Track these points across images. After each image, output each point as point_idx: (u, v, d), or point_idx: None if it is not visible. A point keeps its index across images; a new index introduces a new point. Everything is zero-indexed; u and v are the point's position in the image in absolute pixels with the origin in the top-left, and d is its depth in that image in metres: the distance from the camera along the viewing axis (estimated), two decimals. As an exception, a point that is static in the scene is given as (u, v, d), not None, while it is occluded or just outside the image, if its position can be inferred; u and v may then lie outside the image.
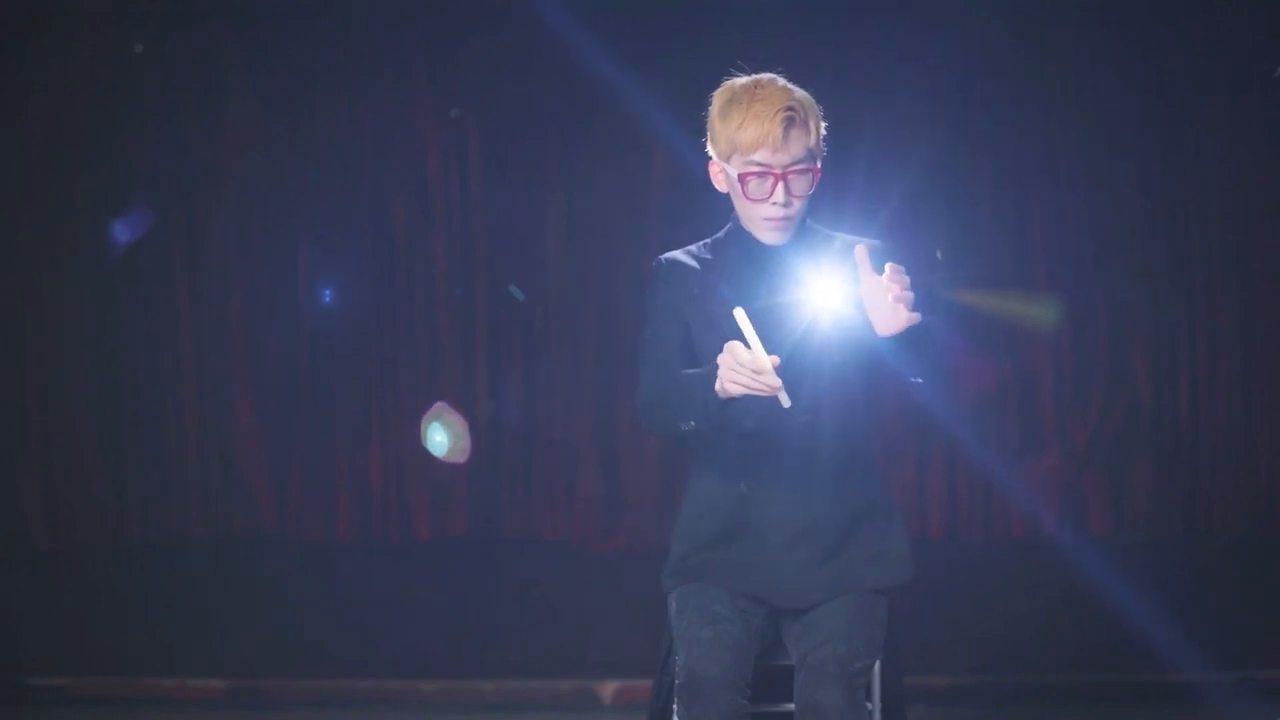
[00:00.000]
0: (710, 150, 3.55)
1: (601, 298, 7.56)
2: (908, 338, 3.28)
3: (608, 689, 6.64)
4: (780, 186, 3.45)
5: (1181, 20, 7.31)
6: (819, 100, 3.56)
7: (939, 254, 7.14)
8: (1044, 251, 7.44)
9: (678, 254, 3.60)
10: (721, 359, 3.25)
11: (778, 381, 3.20)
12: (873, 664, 3.54)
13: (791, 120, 3.44)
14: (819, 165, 3.50)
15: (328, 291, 7.53)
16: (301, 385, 7.58)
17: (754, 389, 3.21)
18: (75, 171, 7.58)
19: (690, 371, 3.44)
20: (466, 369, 7.60)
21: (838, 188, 7.15)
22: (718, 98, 3.52)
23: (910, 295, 3.23)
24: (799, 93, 3.50)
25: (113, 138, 7.55)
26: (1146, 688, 6.49)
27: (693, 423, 3.37)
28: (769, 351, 3.22)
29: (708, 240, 3.61)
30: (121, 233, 7.45)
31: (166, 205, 7.58)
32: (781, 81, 3.50)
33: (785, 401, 3.22)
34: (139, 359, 7.60)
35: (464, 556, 7.48)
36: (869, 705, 3.60)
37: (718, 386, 3.28)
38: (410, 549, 7.52)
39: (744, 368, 3.20)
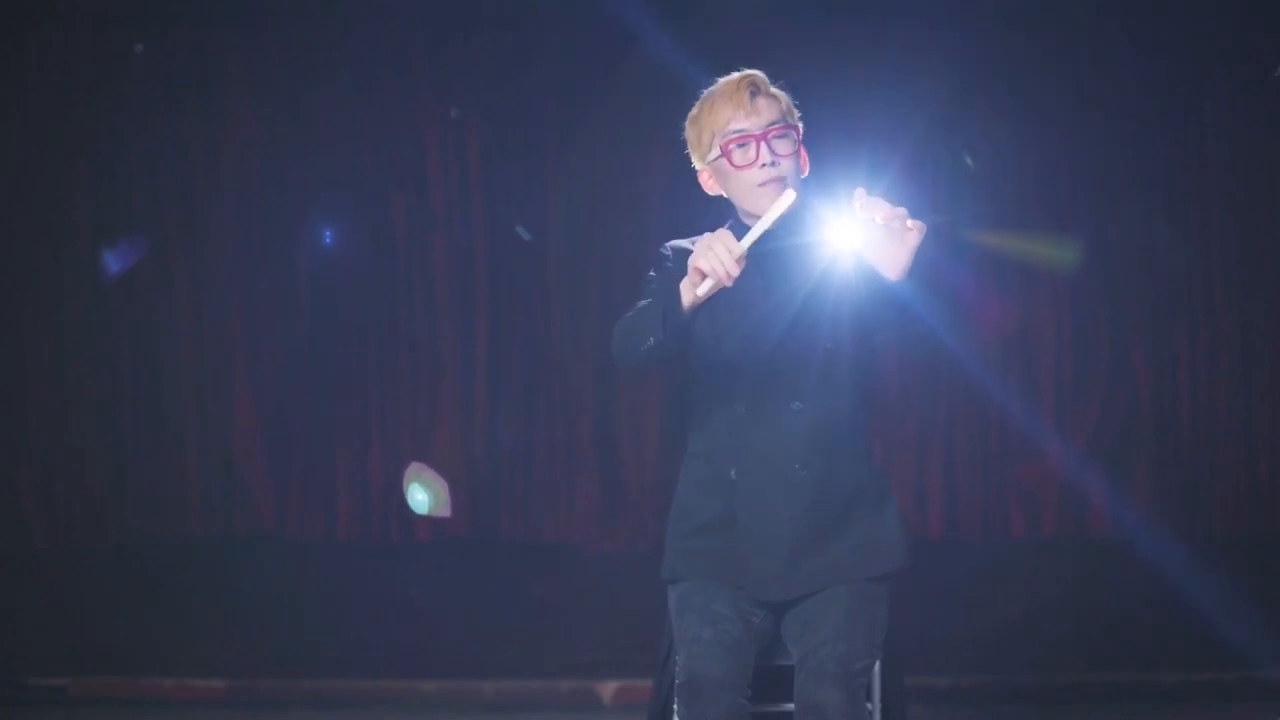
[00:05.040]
0: (695, 160, 3.61)
1: (601, 297, 7.55)
2: (914, 280, 3.32)
3: (608, 689, 6.64)
4: (763, 147, 3.51)
5: (1182, 20, 7.32)
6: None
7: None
8: (1044, 250, 7.44)
9: (683, 242, 3.63)
10: (706, 235, 3.32)
11: (736, 270, 3.27)
12: (873, 664, 3.54)
13: (755, 89, 3.56)
14: (798, 132, 3.55)
15: (327, 233, 7.53)
16: (301, 385, 7.58)
17: (716, 270, 3.25)
18: (74, 171, 7.57)
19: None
20: (466, 369, 7.60)
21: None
22: (690, 114, 3.60)
23: (900, 210, 3.27)
24: (757, 72, 3.61)
25: (112, 138, 7.55)
26: (1146, 688, 6.49)
27: (651, 340, 3.39)
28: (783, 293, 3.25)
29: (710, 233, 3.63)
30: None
31: (166, 205, 7.57)
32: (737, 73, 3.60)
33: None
34: (139, 360, 7.60)
35: (464, 557, 7.48)
36: (869, 705, 3.59)
37: (684, 283, 3.33)
38: (410, 549, 7.51)
39: (720, 244, 3.24)
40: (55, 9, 7.51)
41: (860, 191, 3.30)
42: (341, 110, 7.56)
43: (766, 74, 3.60)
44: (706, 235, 3.32)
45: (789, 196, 3.33)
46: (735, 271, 3.27)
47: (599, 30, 7.44)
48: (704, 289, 3.31)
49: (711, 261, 3.27)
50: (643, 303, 3.49)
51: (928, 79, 7.31)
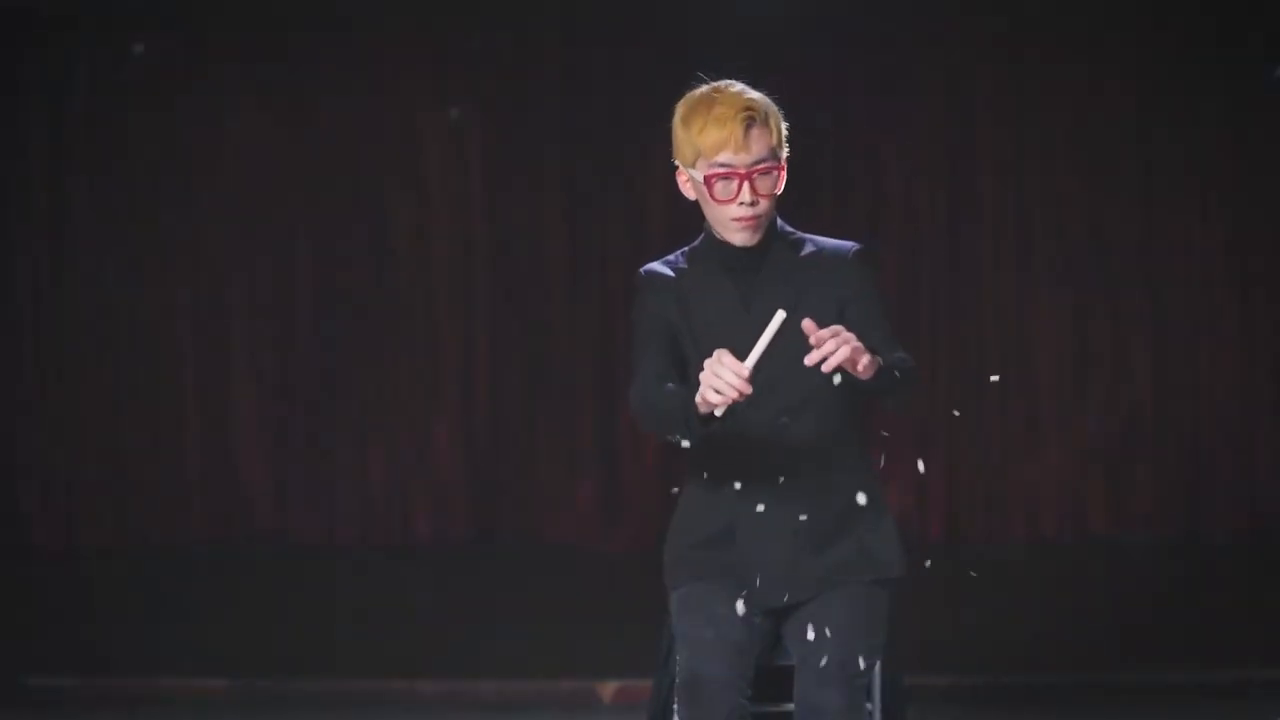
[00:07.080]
0: (676, 159, 3.57)
1: (601, 298, 7.56)
2: (879, 383, 3.32)
3: (608, 689, 6.64)
4: (746, 186, 3.47)
5: (1181, 20, 7.32)
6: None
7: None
8: (1044, 251, 7.45)
9: (656, 265, 3.63)
10: (707, 362, 3.26)
11: (748, 389, 3.23)
12: (873, 664, 3.54)
13: (751, 120, 3.48)
14: (783, 165, 3.52)
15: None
16: (301, 385, 7.59)
17: (727, 394, 3.22)
18: (74, 170, 7.58)
19: (671, 389, 3.45)
20: (467, 369, 7.61)
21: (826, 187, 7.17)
22: (679, 108, 3.56)
23: (835, 343, 3.21)
24: (758, 95, 3.54)
25: (112, 138, 7.56)
26: (1146, 688, 6.49)
27: (685, 443, 3.45)
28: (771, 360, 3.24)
29: (684, 249, 3.63)
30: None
31: (166, 204, 7.58)
32: (739, 86, 3.54)
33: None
34: (139, 358, 7.60)
35: (464, 557, 7.48)
36: (869, 705, 3.60)
37: (698, 398, 3.29)
38: (411, 550, 7.52)
39: (726, 369, 3.22)
40: (55, 9, 7.51)
41: (808, 325, 3.24)
42: (341, 110, 7.56)
43: (768, 79, 3.56)
44: (707, 363, 3.25)
45: (780, 317, 3.26)
46: (748, 390, 3.23)
47: (599, 29, 7.44)
48: (720, 410, 3.29)
49: (723, 390, 3.23)
50: (648, 375, 3.49)
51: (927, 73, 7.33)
